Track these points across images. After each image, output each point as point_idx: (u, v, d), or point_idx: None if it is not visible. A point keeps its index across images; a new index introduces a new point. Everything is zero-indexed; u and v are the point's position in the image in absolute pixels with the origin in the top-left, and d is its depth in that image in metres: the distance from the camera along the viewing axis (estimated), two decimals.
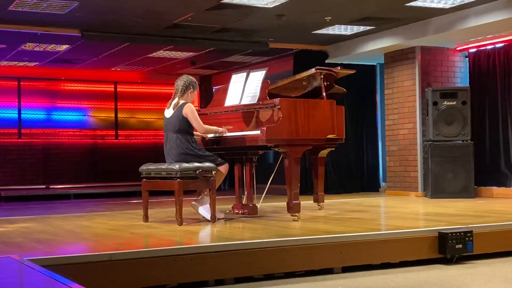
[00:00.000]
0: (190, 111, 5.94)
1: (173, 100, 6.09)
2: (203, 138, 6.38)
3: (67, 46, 9.93)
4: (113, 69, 12.46)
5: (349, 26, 9.10)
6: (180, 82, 6.09)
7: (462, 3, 7.91)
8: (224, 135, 6.17)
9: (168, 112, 6.05)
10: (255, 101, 6.08)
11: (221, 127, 6.22)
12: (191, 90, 6.09)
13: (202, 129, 6.07)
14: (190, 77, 6.18)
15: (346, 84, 7.29)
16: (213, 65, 12.21)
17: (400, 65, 9.83)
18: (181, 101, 6.02)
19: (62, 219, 6.74)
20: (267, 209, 7.17)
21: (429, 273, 4.68)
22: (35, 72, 12.12)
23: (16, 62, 11.42)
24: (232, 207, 6.76)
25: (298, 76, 6.43)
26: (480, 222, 5.53)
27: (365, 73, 10.90)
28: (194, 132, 6.08)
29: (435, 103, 8.95)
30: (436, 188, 8.85)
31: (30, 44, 9.73)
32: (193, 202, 6.14)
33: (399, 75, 9.87)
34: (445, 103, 8.93)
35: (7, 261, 3.71)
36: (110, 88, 13.09)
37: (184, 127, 5.92)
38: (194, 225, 5.83)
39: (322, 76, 6.30)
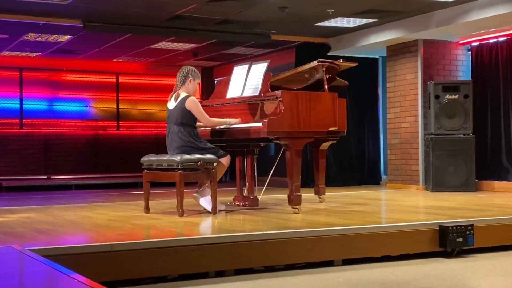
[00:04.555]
0: (194, 105, 5.90)
1: (174, 92, 6.09)
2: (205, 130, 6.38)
3: (69, 36, 9.92)
4: (115, 60, 12.44)
5: (351, 18, 9.08)
6: (179, 73, 6.09)
7: None
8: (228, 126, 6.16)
9: (171, 104, 6.05)
10: (257, 93, 6.07)
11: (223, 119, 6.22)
12: (191, 78, 6.04)
13: (209, 123, 6.05)
14: (189, 66, 6.16)
15: (348, 77, 7.27)
16: (215, 57, 12.19)
17: (403, 58, 9.81)
18: (182, 93, 6.01)
19: (63, 210, 6.75)
20: (268, 201, 7.18)
21: (430, 267, 4.69)
22: (37, 62, 12.11)
23: (18, 53, 11.41)
24: (233, 199, 6.77)
25: (300, 69, 6.41)
26: (480, 216, 5.54)
27: (367, 66, 10.88)
28: (198, 124, 6.06)
29: (437, 97, 8.94)
30: (437, 181, 8.85)
31: (32, 34, 9.72)
32: (194, 194, 6.14)
33: (401, 68, 9.85)
34: (447, 96, 8.91)
35: (8, 251, 3.73)
36: (112, 79, 13.08)
37: (186, 120, 5.91)
38: (195, 216, 5.84)
39: (324, 69, 6.28)
